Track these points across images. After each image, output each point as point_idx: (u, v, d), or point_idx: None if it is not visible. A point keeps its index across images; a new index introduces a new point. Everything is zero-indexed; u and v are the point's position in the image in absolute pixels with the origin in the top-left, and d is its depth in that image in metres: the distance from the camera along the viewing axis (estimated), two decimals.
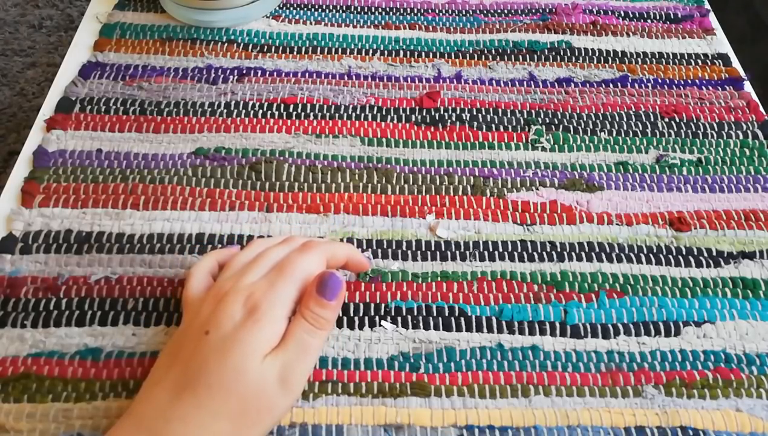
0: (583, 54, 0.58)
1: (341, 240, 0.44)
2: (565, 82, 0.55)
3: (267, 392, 0.32)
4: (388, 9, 0.61)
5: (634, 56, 0.58)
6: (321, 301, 0.34)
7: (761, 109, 0.54)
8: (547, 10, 0.62)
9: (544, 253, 0.44)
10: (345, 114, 0.52)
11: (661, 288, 0.43)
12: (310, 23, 0.59)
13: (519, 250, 0.44)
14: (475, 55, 0.57)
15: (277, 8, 0.60)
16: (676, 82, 0.56)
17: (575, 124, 0.52)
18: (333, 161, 0.48)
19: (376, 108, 0.52)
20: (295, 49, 0.57)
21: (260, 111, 0.51)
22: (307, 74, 0.54)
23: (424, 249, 0.44)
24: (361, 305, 0.41)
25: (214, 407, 0.31)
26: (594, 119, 0.52)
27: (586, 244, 0.45)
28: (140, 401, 0.33)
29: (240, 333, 0.32)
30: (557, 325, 0.41)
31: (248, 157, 0.48)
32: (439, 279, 0.43)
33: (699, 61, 0.58)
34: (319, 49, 0.57)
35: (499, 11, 0.62)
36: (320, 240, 0.38)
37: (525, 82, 0.55)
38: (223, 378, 0.31)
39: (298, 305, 0.35)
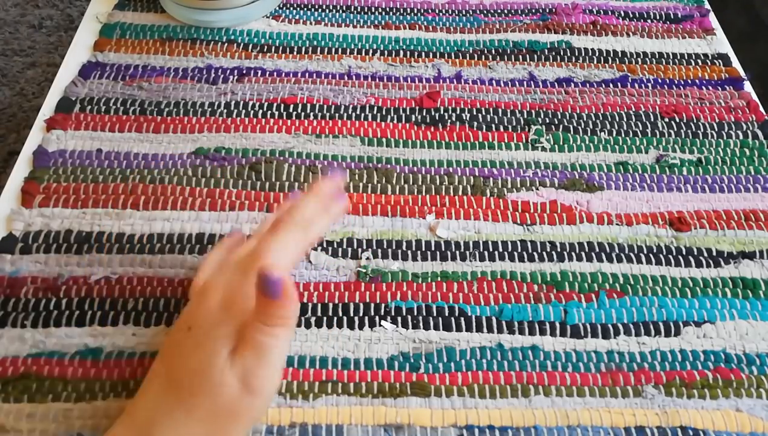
0: (583, 54, 0.58)
1: (341, 240, 0.44)
2: (565, 82, 0.55)
3: (231, 396, 0.30)
4: (388, 9, 0.61)
5: (634, 56, 0.58)
6: (268, 301, 0.31)
7: (761, 109, 0.54)
8: (547, 10, 0.62)
9: (544, 253, 0.44)
10: (345, 114, 0.52)
11: (661, 288, 0.43)
12: (310, 23, 0.59)
13: (519, 250, 0.44)
14: (475, 55, 0.57)
15: (277, 8, 0.60)
16: (676, 82, 0.56)
17: (575, 124, 0.52)
18: (333, 161, 0.48)
19: (376, 108, 0.52)
20: (295, 49, 0.57)
21: (260, 111, 0.51)
22: (307, 74, 0.54)
23: (424, 249, 0.44)
24: (361, 305, 0.41)
25: (188, 407, 0.30)
26: (594, 119, 0.52)
27: (586, 244, 0.45)
28: (134, 401, 0.33)
29: (218, 330, 0.31)
30: (557, 325, 0.41)
31: (248, 157, 0.48)
32: (439, 279, 0.43)
33: (699, 61, 0.58)
34: (319, 49, 0.57)
35: (499, 11, 0.62)
36: (290, 218, 0.34)
37: (525, 82, 0.55)
38: (194, 376, 0.31)
39: (256, 305, 0.32)
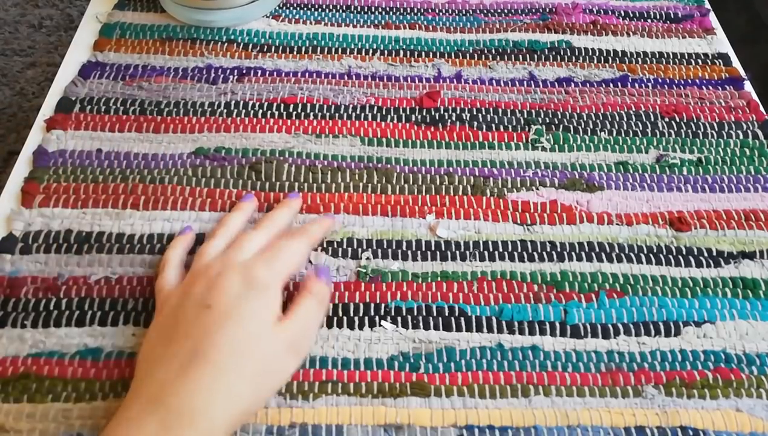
0: (583, 54, 0.58)
1: (341, 240, 0.44)
2: (565, 82, 0.55)
3: (278, 357, 0.35)
4: (388, 9, 0.61)
5: (634, 56, 0.58)
6: (323, 281, 0.39)
7: (761, 109, 0.54)
8: (547, 10, 0.62)
9: (544, 253, 0.44)
10: (345, 114, 0.52)
11: (661, 288, 0.43)
12: (310, 23, 0.59)
13: (519, 250, 0.44)
14: (475, 55, 0.57)
15: (277, 8, 0.60)
16: (676, 81, 0.56)
17: (575, 124, 0.52)
18: (333, 161, 0.48)
19: (376, 108, 0.52)
20: (295, 49, 0.57)
21: (260, 111, 0.51)
22: (307, 74, 0.54)
23: (424, 249, 0.44)
24: (361, 305, 0.41)
25: (233, 371, 0.33)
26: (594, 119, 0.52)
27: (586, 244, 0.45)
28: (141, 381, 0.33)
29: (249, 303, 0.35)
30: (557, 325, 0.41)
31: (248, 157, 0.48)
32: (439, 279, 0.43)
33: (699, 61, 0.58)
34: (319, 49, 0.57)
35: (499, 11, 0.62)
36: (301, 228, 0.42)
37: (525, 82, 0.55)
38: (240, 344, 0.34)
39: (302, 286, 0.38)
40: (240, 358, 0.33)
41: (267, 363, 0.34)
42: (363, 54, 0.57)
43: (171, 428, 0.30)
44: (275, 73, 0.54)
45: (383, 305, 0.41)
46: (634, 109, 0.53)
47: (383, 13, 0.60)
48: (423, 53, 0.57)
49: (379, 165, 0.48)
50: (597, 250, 0.44)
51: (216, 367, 0.33)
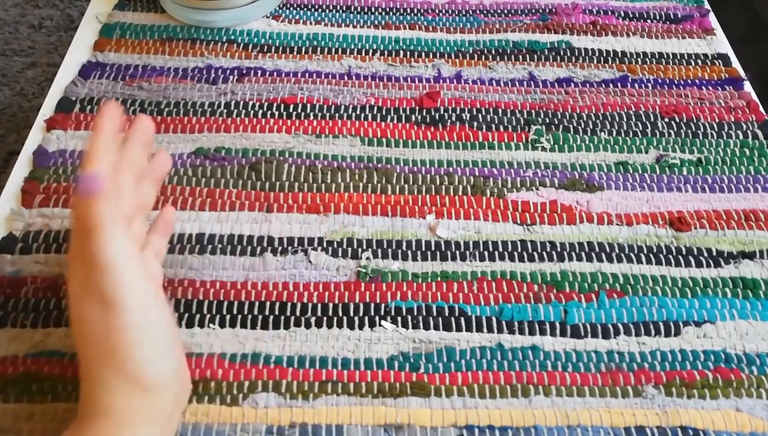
0: (583, 54, 0.58)
1: (341, 240, 0.44)
2: (565, 82, 0.55)
3: (95, 319, 0.30)
4: (388, 9, 0.61)
5: (634, 56, 0.58)
6: (85, 202, 0.29)
7: (761, 109, 0.54)
8: (547, 10, 0.62)
9: (544, 253, 0.44)
10: (345, 114, 0.52)
11: (661, 288, 0.43)
12: (310, 23, 0.59)
13: (519, 250, 0.44)
14: (475, 55, 0.57)
15: (277, 8, 0.60)
16: (676, 82, 0.56)
17: (575, 124, 0.52)
18: (333, 161, 0.48)
19: (376, 108, 0.52)
20: (295, 49, 0.57)
21: (260, 111, 0.51)
22: (307, 74, 0.54)
23: (424, 249, 0.44)
24: (361, 305, 0.41)
25: (91, 352, 0.31)
26: (594, 119, 0.52)
27: (586, 244, 0.45)
28: None
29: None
30: (557, 325, 0.41)
31: (248, 157, 0.48)
32: (439, 279, 0.43)
33: (699, 61, 0.58)
34: (319, 49, 0.57)
35: (499, 11, 0.62)
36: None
37: (525, 82, 0.55)
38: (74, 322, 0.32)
39: None
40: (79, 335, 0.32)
41: (83, 332, 0.31)
42: (363, 54, 0.57)
43: None
44: (275, 73, 0.54)
45: (383, 305, 0.41)
46: (634, 109, 0.53)
47: (383, 13, 0.60)
48: (423, 53, 0.57)
49: (379, 165, 0.48)
50: (597, 250, 0.44)
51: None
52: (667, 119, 0.53)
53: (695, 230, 0.46)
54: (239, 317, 0.40)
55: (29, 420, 0.36)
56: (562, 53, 0.58)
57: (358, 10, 0.61)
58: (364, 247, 0.44)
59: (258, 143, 0.49)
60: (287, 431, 0.36)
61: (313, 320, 0.40)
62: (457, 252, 0.44)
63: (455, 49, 0.58)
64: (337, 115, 0.52)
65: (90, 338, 0.30)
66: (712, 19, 0.62)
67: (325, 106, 0.52)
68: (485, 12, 0.61)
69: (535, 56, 0.57)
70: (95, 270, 0.30)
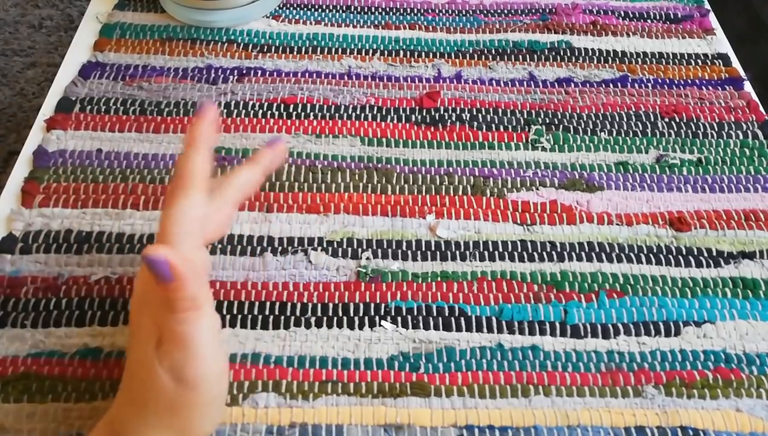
0: (583, 54, 0.58)
1: (341, 240, 0.44)
2: (565, 82, 0.55)
3: (168, 393, 0.29)
4: (388, 9, 0.61)
5: (634, 56, 0.58)
6: (164, 286, 0.28)
7: (761, 109, 0.54)
8: (547, 10, 0.62)
9: (544, 253, 0.44)
10: (345, 114, 0.52)
11: (661, 288, 0.43)
12: (310, 23, 0.59)
13: (519, 250, 0.44)
14: (475, 55, 0.57)
15: (277, 8, 0.60)
16: (676, 82, 0.56)
17: (575, 124, 0.52)
18: (333, 161, 0.48)
19: (376, 108, 0.52)
20: (295, 49, 0.57)
21: (260, 111, 0.51)
22: (307, 74, 0.54)
23: (424, 249, 0.44)
24: (361, 305, 0.41)
25: (143, 413, 0.30)
26: (594, 119, 0.52)
27: (586, 244, 0.45)
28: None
29: (135, 330, 0.31)
30: (557, 325, 0.41)
31: (248, 157, 0.48)
32: (439, 279, 0.43)
33: (699, 61, 0.58)
34: (319, 49, 0.57)
35: (499, 11, 0.62)
36: (175, 181, 0.32)
37: (525, 82, 0.55)
38: (133, 381, 0.31)
39: None
40: (142, 395, 0.30)
41: (160, 402, 0.29)
42: (363, 54, 0.57)
43: None
44: (275, 73, 0.54)
45: (383, 305, 0.41)
46: (634, 109, 0.53)
47: (383, 13, 0.60)
48: (423, 53, 0.57)
49: (379, 165, 0.48)
50: (597, 250, 0.44)
51: (132, 405, 0.31)
52: (667, 119, 0.53)
53: (695, 230, 0.46)
54: (239, 317, 0.40)
55: (29, 420, 0.36)
56: (562, 53, 0.58)
57: (358, 10, 0.61)
58: (364, 247, 0.44)
59: (258, 143, 0.49)
60: (287, 431, 0.36)
61: (313, 320, 0.40)
62: (457, 252, 0.44)
63: (455, 49, 0.58)
64: (337, 115, 0.52)
65: (150, 393, 0.29)
66: (712, 19, 0.62)
67: (325, 106, 0.52)
68: (485, 12, 0.61)
69: (535, 56, 0.57)
70: (177, 346, 0.29)
